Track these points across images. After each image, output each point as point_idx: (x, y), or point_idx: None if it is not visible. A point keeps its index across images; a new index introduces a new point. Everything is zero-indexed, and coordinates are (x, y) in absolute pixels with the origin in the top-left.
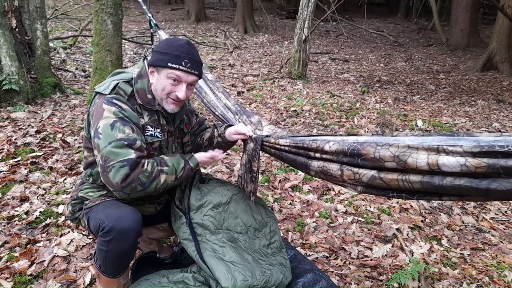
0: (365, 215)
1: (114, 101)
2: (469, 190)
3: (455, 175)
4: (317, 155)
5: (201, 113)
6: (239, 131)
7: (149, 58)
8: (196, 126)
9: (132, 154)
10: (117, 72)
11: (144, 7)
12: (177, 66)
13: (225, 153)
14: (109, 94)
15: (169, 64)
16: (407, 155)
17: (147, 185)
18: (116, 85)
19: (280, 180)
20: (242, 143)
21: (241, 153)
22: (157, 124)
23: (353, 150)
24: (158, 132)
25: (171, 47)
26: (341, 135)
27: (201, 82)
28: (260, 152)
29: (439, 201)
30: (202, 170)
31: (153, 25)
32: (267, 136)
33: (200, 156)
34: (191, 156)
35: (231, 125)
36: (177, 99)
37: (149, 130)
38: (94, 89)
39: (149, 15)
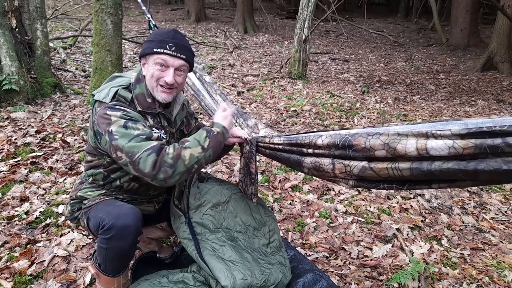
0: (365, 215)
1: (117, 106)
2: (457, 173)
3: (444, 158)
4: (310, 150)
5: (200, 114)
6: (235, 134)
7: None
8: (195, 130)
9: (155, 143)
10: (114, 76)
11: (144, 8)
12: (162, 50)
13: (224, 156)
14: (110, 102)
15: (154, 50)
16: (397, 142)
17: (175, 165)
18: (116, 92)
19: (280, 180)
20: (239, 146)
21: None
22: (160, 126)
23: (344, 142)
24: (163, 133)
25: (157, 35)
26: (333, 130)
27: (198, 84)
28: (256, 153)
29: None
30: (202, 170)
31: (152, 26)
32: (262, 136)
33: (217, 117)
34: (212, 123)
35: None
36: (165, 84)
37: (155, 132)
38: (93, 95)
39: (148, 15)
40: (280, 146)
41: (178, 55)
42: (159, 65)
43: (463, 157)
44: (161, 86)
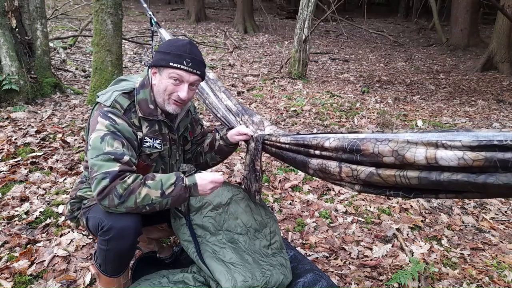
0: (365, 215)
1: (109, 114)
2: (466, 185)
3: (453, 169)
4: (317, 152)
5: (200, 114)
6: (241, 132)
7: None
8: (200, 136)
9: (115, 167)
10: (120, 79)
11: (145, 5)
12: (179, 66)
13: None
14: (108, 106)
15: (171, 64)
16: (406, 150)
17: (125, 198)
18: (115, 98)
19: (280, 180)
20: (245, 144)
21: (241, 153)
22: (158, 134)
23: (352, 146)
24: (158, 143)
25: (172, 47)
26: (341, 133)
27: (202, 82)
28: (262, 151)
29: (436, 199)
30: (208, 171)
31: (153, 23)
32: (268, 134)
33: (201, 176)
34: (190, 174)
35: (233, 127)
36: (178, 99)
37: (147, 142)
38: (97, 95)
39: (150, 13)
40: (287, 146)
41: (194, 71)
42: (174, 79)
43: (473, 170)
44: (174, 100)
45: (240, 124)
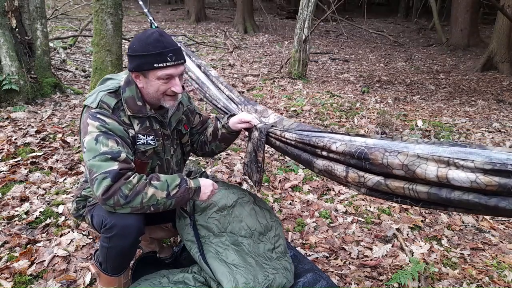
0: (365, 215)
1: (98, 115)
2: (477, 205)
3: (464, 189)
4: (324, 153)
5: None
6: (243, 119)
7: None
8: (200, 125)
9: (115, 166)
10: (105, 79)
11: (145, 10)
12: (164, 64)
13: (226, 151)
14: (95, 108)
15: (155, 65)
16: (416, 165)
17: (131, 199)
18: (101, 98)
19: (280, 180)
20: (247, 132)
21: (241, 153)
22: (150, 130)
23: (360, 154)
24: (151, 140)
25: (148, 46)
26: (348, 135)
27: (203, 77)
28: (265, 143)
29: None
30: (208, 171)
31: (154, 28)
32: (272, 126)
33: (204, 180)
34: (194, 177)
35: (234, 114)
36: (174, 93)
37: (140, 139)
38: (85, 97)
39: (150, 18)
40: (292, 142)
41: (180, 61)
42: (164, 79)
43: (485, 192)
44: (168, 95)
45: (242, 111)
